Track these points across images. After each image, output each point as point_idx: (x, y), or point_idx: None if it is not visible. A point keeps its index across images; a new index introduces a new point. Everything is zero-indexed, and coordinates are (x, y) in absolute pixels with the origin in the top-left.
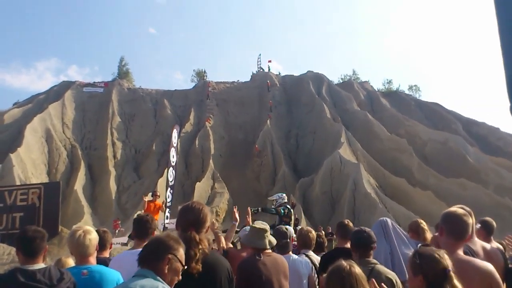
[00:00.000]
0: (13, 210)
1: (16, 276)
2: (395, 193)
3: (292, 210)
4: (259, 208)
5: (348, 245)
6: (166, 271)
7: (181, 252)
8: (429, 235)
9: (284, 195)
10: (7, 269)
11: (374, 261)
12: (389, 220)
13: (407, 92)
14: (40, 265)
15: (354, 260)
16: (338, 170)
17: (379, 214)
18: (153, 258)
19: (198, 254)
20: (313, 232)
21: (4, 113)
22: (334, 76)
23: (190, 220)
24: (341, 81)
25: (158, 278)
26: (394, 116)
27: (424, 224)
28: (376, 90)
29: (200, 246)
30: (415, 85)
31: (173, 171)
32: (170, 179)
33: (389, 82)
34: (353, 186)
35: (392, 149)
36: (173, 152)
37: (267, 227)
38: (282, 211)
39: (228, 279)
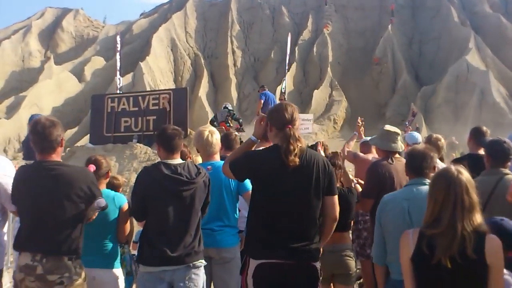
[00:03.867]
0: (146, 113)
1: (161, 169)
2: None
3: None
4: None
5: (482, 151)
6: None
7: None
8: None
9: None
10: (144, 166)
11: (507, 171)
12: None
13: None
14: (179, 160)
15: (487, 168)
16: (464, 78)
17: (507, 125)
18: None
19: (297, 149)
20: (442, 140)
21: (133, 24)
22: None
23: (285, 118)
24: None
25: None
26: None
27: None
28: None
29: (299, 142)
30: None
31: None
32: (283, 86)
33: None
34: (480, 95)
35: None
36: (287, 60)
37: (399, 131)
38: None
39: (326, 172)
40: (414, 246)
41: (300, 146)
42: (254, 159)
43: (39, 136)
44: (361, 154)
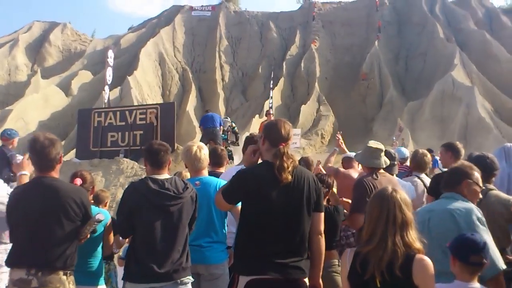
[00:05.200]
0: (133, 128)
1: (148, 184)
2: None
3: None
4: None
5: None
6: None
7: (476, 176)
8: None
9: (227, 117)
10: (131, 181)
11: (491, 186)
12: None
13: None
14: (166, 175)
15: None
16: (450, 94)
17: (493, 140)
18: (454, 182)
19: (290, 166)
20: (429, 155)
21: (121, 38)
22: None
23: (282, 136)
24: None
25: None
26: None
27: None
28: (497, 7)
29: (291, 159)
30: None
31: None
32: (270, 101)
33: None
34: (466, 110)
35: (511, 72)
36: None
37: (382, 146)
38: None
39: (315, 189)
40: (349, 264)
41: (293, 163)
42: (246, 177)
43: (38, 156)
44: (343, 170)
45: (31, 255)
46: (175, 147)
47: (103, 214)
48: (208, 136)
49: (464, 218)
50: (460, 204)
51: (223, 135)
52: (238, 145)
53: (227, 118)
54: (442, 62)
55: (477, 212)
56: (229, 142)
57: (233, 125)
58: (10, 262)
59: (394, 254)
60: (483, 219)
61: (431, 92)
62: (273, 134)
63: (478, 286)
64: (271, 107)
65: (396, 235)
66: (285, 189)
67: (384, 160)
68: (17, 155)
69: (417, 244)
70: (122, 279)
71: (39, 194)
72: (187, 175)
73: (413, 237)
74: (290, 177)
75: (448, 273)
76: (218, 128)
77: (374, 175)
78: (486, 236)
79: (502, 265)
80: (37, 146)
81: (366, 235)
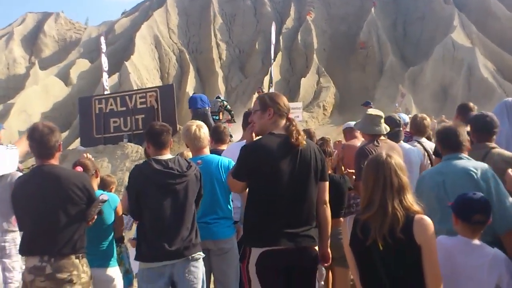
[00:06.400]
0: (135, 112)
1: (152, 164)
2: None
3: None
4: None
5: (468, 128)
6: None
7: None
8: None
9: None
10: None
11: (493, 145)
12: None
13: None
14: (169, 155)
15: (472, 144)
16: (451, 56)
17: (497, 100)
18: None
19: (302, 132)
20: (428, 119)
21: (115, 23)
22: None
23: (288, 108)
24: None
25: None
26: None
27: None
28: None
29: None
30: None
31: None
32: (270, 76)
33: None
34: (467, 72)
35: None
36: (272, 49)
37: (382, 113)
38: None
39: (320, 158)
40: (350, 232)
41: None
42: (254, 149)
43: (37, 143)
44: (347, 143)
45: (42, 243)
46: (177, 129)
47: (112, 198)
48: (199, 117)
49: (482, 176)
50: (473, 163)
51: (214, 116)
52: (235, 122)
53: (218, 98)
54: (441, 24)
55: (490, 170)
56: (223, 121)
57: (225, 103)
58: (23, 250)
59: (395, 218)
60: (496, 175)
61: (431, 56)
62: (282, 106)
63: (481, 243)
64: (271, 84)
65: (394, 200)
66: (294, 159)
67: (384, 127)
68: (2, 144)
69: (416, 207)
70: (134, 259)
71: (41, 182)
72: (189, 154)
73: (411, 200)
74: (304, 142)
75: None
76: (207, 108)
77: (375, 142)
78: (504, 190)
79: None
80: (36, 134)
81: (364, 201)
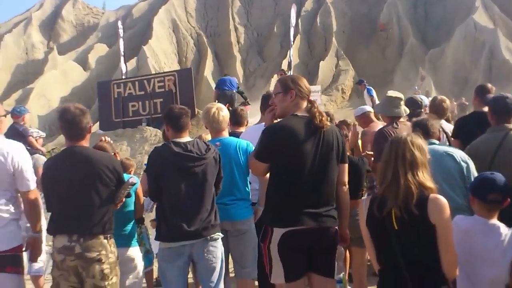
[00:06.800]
0: (153, 96)
1: (171, 147)
2: None
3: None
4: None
5: (486, 109)
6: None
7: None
8: None
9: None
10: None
11: None
12: None
13: None
14: (188, 138)
15: (491, 125)
16: (472, 38)
17: None
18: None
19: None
20: (447, 101)
21: (133, 8)
22: None
23: (308, 90)
24: None
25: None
26: None
27: None
28: None
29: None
30: None
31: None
32: (289, 59)
33: None
34: (489, 54)
35: None
36: (292, 32)
37: (402, 95)
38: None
39: (341, 140)
40: (367, 211)
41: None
42: (277, 131)
43: (69, 124)
44: (366, 129)
45: (71, 222)
46: (196, 112)
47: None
48: (226, 99)
49: (461, 158)
50: (449, 147)
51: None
52: (249, 104)
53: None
54: (463, 5)
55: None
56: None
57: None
58: (52, 230)
59: (408, 191)
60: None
61: (452, 38)
62: (304, 88)
63: (497, 223)
64: (289, 67)
65: (407, 173)
66: (317, 141)
67: (404, 109)
68: (29, 128)
69: (429, 183)
70: (155, 239)
71: (73, 163)
72: (208, 137)
73: (425, 176)
74: (328, 123)
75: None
76: (235, 92)
77: (394, 124)
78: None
79: None
80: (68, 116)
81: (380, 178)
